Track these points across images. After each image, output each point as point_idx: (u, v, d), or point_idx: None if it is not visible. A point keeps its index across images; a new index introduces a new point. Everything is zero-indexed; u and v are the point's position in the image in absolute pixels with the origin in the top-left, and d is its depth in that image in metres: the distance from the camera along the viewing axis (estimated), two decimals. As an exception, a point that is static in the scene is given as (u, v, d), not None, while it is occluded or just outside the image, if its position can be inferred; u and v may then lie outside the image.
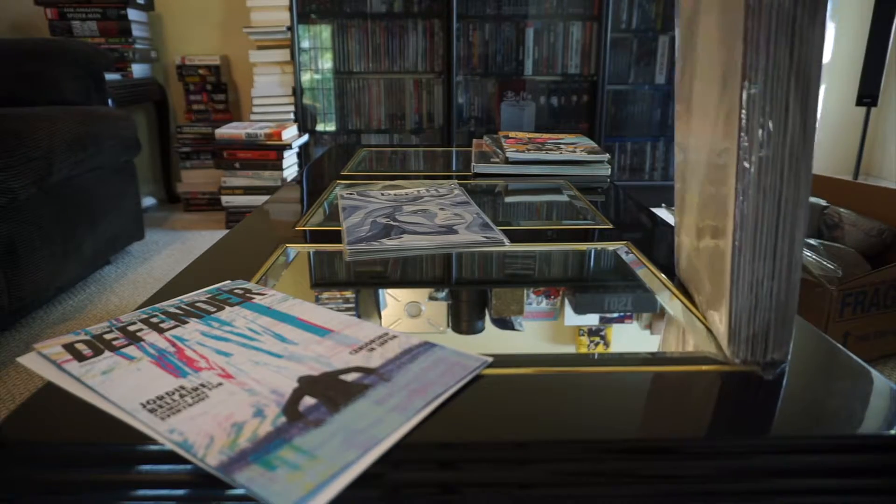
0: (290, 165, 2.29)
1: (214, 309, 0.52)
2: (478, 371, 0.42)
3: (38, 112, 1.41)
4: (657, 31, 2.40)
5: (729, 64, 0.41)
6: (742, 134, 0.39)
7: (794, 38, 0.37)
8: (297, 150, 2.33)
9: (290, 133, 2.25)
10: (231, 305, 0.52)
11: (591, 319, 0.56)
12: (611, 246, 0.74)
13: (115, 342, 0.45)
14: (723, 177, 0.43)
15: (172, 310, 0.52)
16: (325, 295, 0.60)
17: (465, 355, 0.44)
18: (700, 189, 0.50)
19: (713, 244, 0.47)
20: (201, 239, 2.10)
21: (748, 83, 0.38)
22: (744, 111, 0.39)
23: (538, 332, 0.54)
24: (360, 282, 0.64)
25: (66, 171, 1.42)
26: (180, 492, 0.34)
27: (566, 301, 0.60)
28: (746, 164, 0.40)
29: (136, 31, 2.33)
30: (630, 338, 0.54)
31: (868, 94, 2.13)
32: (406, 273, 0.66)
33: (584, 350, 0.52)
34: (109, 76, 1.92)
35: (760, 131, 0.39)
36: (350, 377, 0.41)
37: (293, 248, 0.72)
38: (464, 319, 0.57)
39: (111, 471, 0.35)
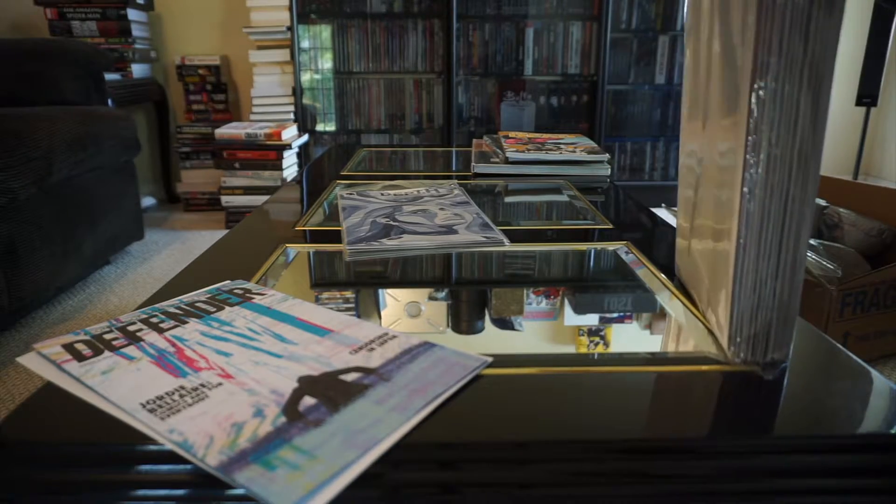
0: (290, 165, 2.29)
1: (214, 309, 0.52)
2: (478, 371, 0.42)
3: (38, 112, 1.41)
4: (657, 31, 2.40)
5: (739, 63, 0.41)
6: (751, 132, 0.39)
7: (808, 35, 0.37)
8: (296, 150, 2.33)
9: (289, 133, 2.25)
10: (231, 305, 0.52)
11: (591, 319, 0.56)
12: (611, 246, 0.74)
13: (114, 342, 0.45)
14: (729, 178, 0.43)
15: (172, 310, 0.52)
16: (325, 295, 0.60)
17: (465, 355, 0.44)
18: (704, 191, 0.50)
19: (716, 245, 0.47)
20: (201, 239, 2.10)
21: (759, 81, 0.38)
22: (754, 109, 0.39)
23: (538, 332, 0.54)
24: (360, 282, 0.64)
25: (66, 171, 1.42)
26: (180, 492, 0.34)
27: (566, 301, 0.60)
28: (753, 163, 0.39)
29: (136, 31, 2.33)
30: (630, 338, 0.54)
31: (868, 94, 2.13)
32: (406, 273, 0.66)
33: (584, 350, 0.52)
34: (109, 76, 1.92)
35: (770, 129, 0.39)
36: (350, 377, 0.41)
37: (293, 248, 0.72)
38: (464, 319, 0.57)
39: (111, 471, 0.35)
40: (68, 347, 0.45)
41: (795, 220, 0.41)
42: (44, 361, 0.43)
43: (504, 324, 0.55)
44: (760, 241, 0.41)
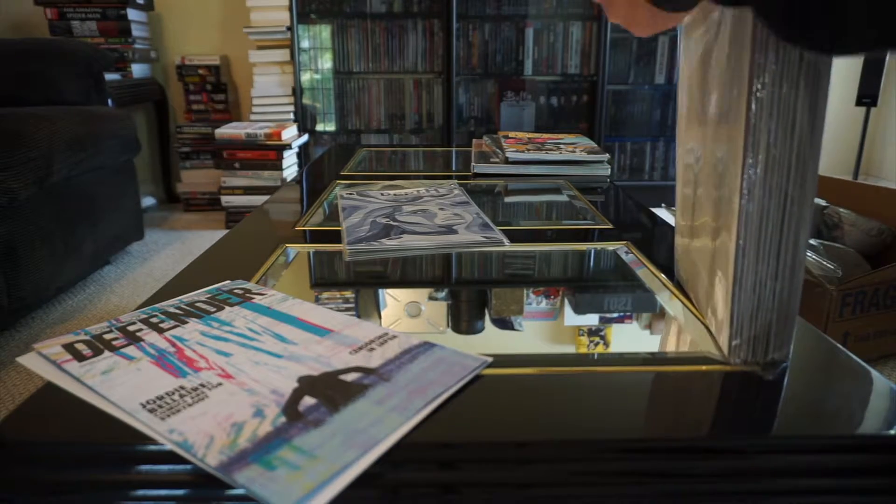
0: (290, 165, 2.29)
1: (214, 309, 0.52)
2: (478, 371, 0.42)
3: (38, 112, 1.41)
4: (657, 31, 2.40)
5: (736, 64, 0.41)
6: (749, 134, 0.39)
7: None
8: (296, 150, 2.33)
9: (289, 133, 2.25)
10: (231, 305, 0.52)
11: (591, 319, 0.56)
12: (611, 246, 0.74)
13: (114, 342, 0.45)
14: (727, 177, 0.43)
15: (172, 310, 0.52)
16: (325, 295, 0.60)
17: (465, 355, 0.44)
18: (702, 190, 0.50)
19: (715, 245, 0.47)
20: (201, 239, 2.10)
21: (757, 83, 0.38)
22: (752, 111, 0.39)
23: (538, 332, 0.54)
24: (360, 282, 0.64)
25: (66, 171, 1.42)
26: (180, 492, 0.34)
27: (566, 301, 0.60)
28: (752, 164, 0.39)
29: (136, 31, 2.33)
30: (630, 338, 0.54)
31: (868, 94, 2.13)
32: (406, 273, 0.66)
33: (584, 350, 0.52)
34: (109, 76, 1.92)
35: (767, 131, 0.39)
36: (350, 377, 0.41)
37: (293, 248, 0.72)
38: (464, 319, 0.57)
39: (111, 471, 0.35)
40: (68, 347, 0.45)
41: (794, 220, 0.41)
42: (44, 361, 0.43)
43: (504, 324, 0.55)
44: (759, 241, 0.41)
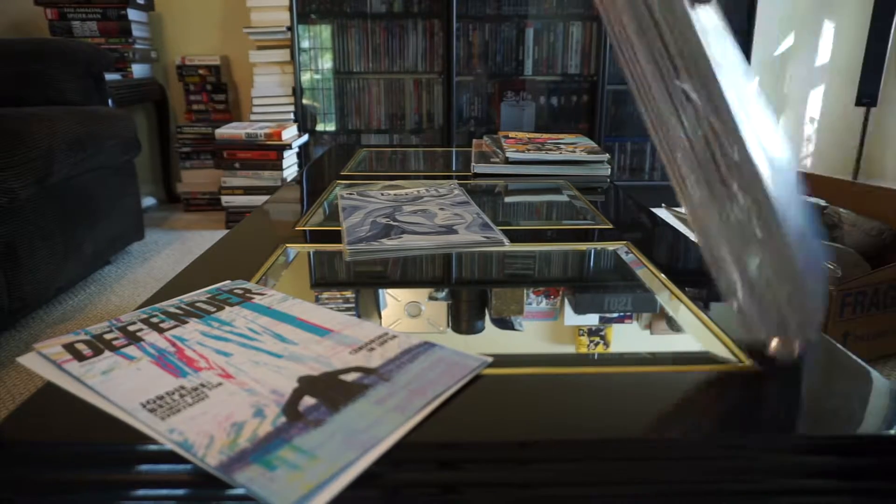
0: (290, 165, 2.29)
1: (214, 309, 0.52)
2: (478, 371, 0.42)
3: (38, 112, 1.41)
4: (657, 31, 2.40)
5: (643, 67, 0.41)
6: (657, 130, 0.39)
7: (661, 32, 0.37)
8: (296, 150, 2.33)
9: (289, 133, 2.25)
10: (231, 305, 0.52)
11: (591, 319, 0.56)
12: (611, 246, 0.74)
13: (115, 342, 0.45)
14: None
15: (172, 310, 0.52)
16: (325, 295, 0.60)
17: (465, 355, 0.44)
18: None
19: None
20: (201, 239, 2.10)
21: (644, 80, 0.38)
22: (652, 109, 0.39)
23: (538, 332, 0.54)
24: (360, 282, 0.64)
25: (66, 171, 1.42)
26: (180, 492, 0.34)
27: (566, 301, 0.60)
28: (670, 157, 0.40)
29: (136, 31, 2.33)
30: (630, 338, 0.54)
31: (868, 94, 2.13)
32: (406, 273, 0.66)
33: (584, 350, 0.52)
34: (109, 76, 1.92)
35: (673, 122, 0.39)
36: (350, 377, 0.41)
37: (293, 248, 0.72)
38: (464, 319, 0.57)
39: (111, 471, 0.35)
40: (68, 347, 0.45)
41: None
42: (44, 361, 0.43)
43: (504, 324, 0.55)
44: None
